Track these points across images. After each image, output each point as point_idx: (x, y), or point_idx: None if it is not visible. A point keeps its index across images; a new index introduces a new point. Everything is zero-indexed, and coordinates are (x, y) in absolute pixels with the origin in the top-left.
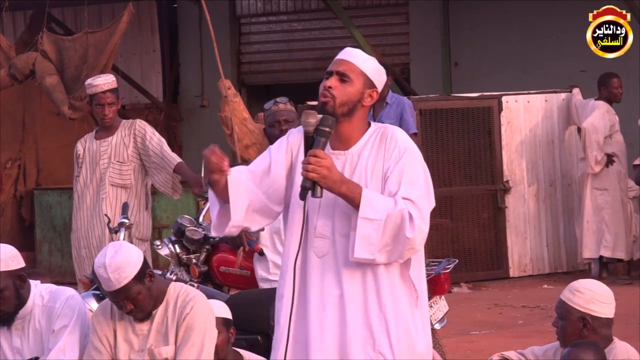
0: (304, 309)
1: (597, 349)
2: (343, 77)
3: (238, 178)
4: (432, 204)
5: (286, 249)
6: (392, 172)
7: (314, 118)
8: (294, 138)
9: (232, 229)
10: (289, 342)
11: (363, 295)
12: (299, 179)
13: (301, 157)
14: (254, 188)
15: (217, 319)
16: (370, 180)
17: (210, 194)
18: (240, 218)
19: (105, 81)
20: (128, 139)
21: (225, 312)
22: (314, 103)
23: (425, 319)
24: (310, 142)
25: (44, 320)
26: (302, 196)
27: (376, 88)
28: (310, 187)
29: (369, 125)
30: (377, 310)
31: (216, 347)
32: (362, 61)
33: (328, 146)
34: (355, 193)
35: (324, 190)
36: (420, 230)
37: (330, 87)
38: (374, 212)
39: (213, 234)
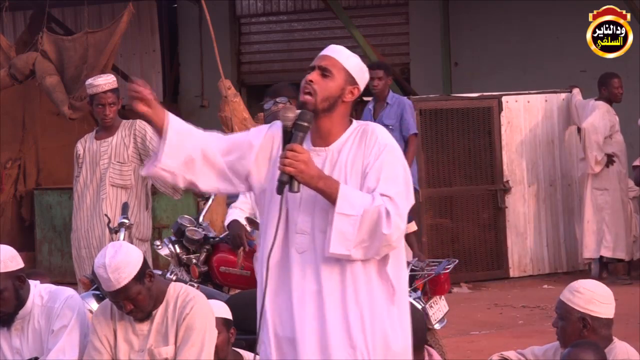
0: (287, 305)
1: (598, 349)
2: (325, 72)
3: (188, 129)
4: (411, 201)
5: (263, 244)
6: (372, 168)
7: (292, 113)
8: (276, 129)
9: (160, 171)
10: (271, 338)
11: (341, 291)
12: (277, 174)
13: (280, 151)
14: (211, 147)
15: (217, 319)
16: (349, 176)
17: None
18: (173, 164)
19: (106, 81)
20: (128, 140)
21: (225, 312)
22: None
23: (403, 317)
24: (288, 137)
25: (43, 320)
26: (279, 190)
27: (358, 85)
28: (287, 181)
29: (351, 122)
30: (354, 306)
31: (216, 347)
32: (344, 57)
33: (309, 142)
34: (332, 189)
35: (303, 186)
36: (397, 227)
37: (311, 81)
38: (351, 207)
39: (142, 173)
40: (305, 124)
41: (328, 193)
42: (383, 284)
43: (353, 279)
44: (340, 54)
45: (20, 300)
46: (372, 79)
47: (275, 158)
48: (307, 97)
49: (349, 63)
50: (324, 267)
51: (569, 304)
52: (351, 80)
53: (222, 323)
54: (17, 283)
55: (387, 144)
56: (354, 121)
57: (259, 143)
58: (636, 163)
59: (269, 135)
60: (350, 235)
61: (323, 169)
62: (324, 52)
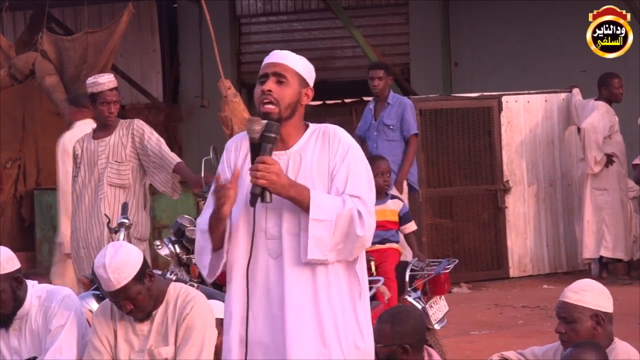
0: (263, 309)
1: (599, 349)
2: (280, 79)
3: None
4: (374, 198)
5: (235, 255)
6: (339, 170)
7: (259, 125)
8: (235, 145)
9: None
10: (247, 344)
11: (313, 292)
12: (245, 186)
13: (247, 163)
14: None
15: (217, 319)
16: (316, 178)
17: (203, 239)
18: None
19: (109, 79)
20: (126, 139)
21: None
22: (317, 103)
23: (368, 314)
24: (256, 149)
25: (41, 319)
26: (253, 203)
27: (310, 86)
28: (259, 193)
29: (307, 125)
30: (327, 306)
31: (216, 348)
32: (294, 61)
33: None
34: (303, 196)
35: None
36: (369, 227)
37: (270, 90)
38: (324, 213)
39: (208, 280)
40: (273, 135)
41: (299, 200)
42: (352, 283)
43: (325, 280)
44: (289, 59)
45: (18, 301)
46: (372, 78)
47: (234, 166)
48: (270, 106)
49: (299, 66)
50: (295, 269)
51: (579, 304)
52: (304, 83)
53: (221, 324)
54: (14, 284)
55: (351, 144)
56: (310, 124)
57: (228, 168)
58: (636, 161)
59: (227, 160)
60: (326, 240)
61: (287, 172)
62: (272, 59)
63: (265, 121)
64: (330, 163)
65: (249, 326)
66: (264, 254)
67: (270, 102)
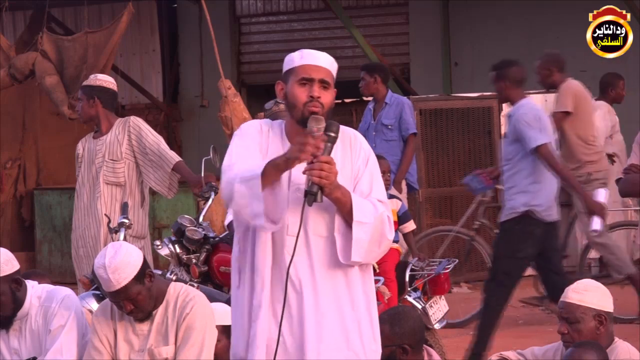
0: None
1: (600, 349)
2: (325, 85)
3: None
4: None
5: (260, 253)
6: (363, 174)
7: (321, 124)
8: (261, 129)
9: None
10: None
11: (339, 293)
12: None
13: (275, 154)
14: None
15: (217, 326)
16: (340, 179)
17: (252, 186)
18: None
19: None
20: (122, 136)
21: (226, 319)
22: None
23: (376, 316)
24: None
25: (40, 320)
26: (311, 202)
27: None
28: (316, 192)
29: None
30: (350, 307)
31: (216, 354)
32: (332, 66)
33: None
34: (347, 197)
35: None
36: (393, 231)
37: (319, 97)
38: (364, 215)
39: (270, 229)
40: (334, 134)
41: (343, 202)
42: (368, 284)
43: (348, 281)
44: (329, 63)
45: (18, 302)
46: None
47: (266, 150)
48: (318, 109)
49: (334, 70)
50: (322, 271)
51: (582, 304)
52: (334, 85)
53: (222, 331)
54: (13, 286)
55: (369, 149)
56: None
57: (258, 145)
58: (620, 176)
59: (254, 134)
60: (365, 242)
61: None
62: (316, 62)
63: (328, 121)
64: (353, 166)
65: (283, 327)
66: (289, 255)
67: (318, 107)
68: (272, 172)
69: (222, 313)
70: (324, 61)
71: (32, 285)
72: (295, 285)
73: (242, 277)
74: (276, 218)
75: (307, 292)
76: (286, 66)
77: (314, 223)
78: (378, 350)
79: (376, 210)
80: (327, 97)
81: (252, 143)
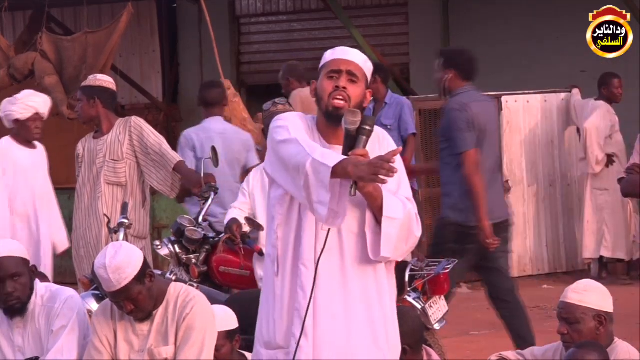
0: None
1: (601, 350)
2: (353, 78)
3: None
4: None
5: (288, 243)
6: None
7: (357, 117)
8: (303, 123)
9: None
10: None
11: (368, 290)
12: None
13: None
14: None
15: (219, 332)
16: None
17: (325, 172)
18: None
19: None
20: (123, 136)
21: (228, 323)
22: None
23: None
24: (351, 141)
25: (43, 320)
26: (353, 193)
27: (369, 89)
28: (352, 185)
29: None
30: (378, 305)
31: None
32: (363, 62)
33: (323, 141)
34: (378, 192)
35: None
36: (420, 228)
37: (345, 88)
38: (395, 211)
39: (336, 224)
40: (369, 127)
41: (375, 196)
42: (391, 281)
43: (377, 278)
44: (360, 59)
45: (32, 290)
46: None
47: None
48: (342, 102)
49: (367, 68)
50: (350, 267)
51: (582, 305)
52: (367, 85)
53: (224, 336)
54: (30, 272)
55: (396, 147)
56: None
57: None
58: (622, 175)
59: (298, 124)
60: (394, 238)
61: None
62: (345, 56)
63: (365, 115)
64: None
65: (318, 321)
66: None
67: (343, 98)
68: (340, 174)
69: (224, 318)
70: (354, 56)
71: (36, 282)
72: (326, 281)
73: (283, 267)
74: (338, 211)
75: (336, 289)
76: (320, 64)
77: (347, 219)
78: (398, 345)
79: (405, 207)
80: (356, 91)
81: (301, 134)
